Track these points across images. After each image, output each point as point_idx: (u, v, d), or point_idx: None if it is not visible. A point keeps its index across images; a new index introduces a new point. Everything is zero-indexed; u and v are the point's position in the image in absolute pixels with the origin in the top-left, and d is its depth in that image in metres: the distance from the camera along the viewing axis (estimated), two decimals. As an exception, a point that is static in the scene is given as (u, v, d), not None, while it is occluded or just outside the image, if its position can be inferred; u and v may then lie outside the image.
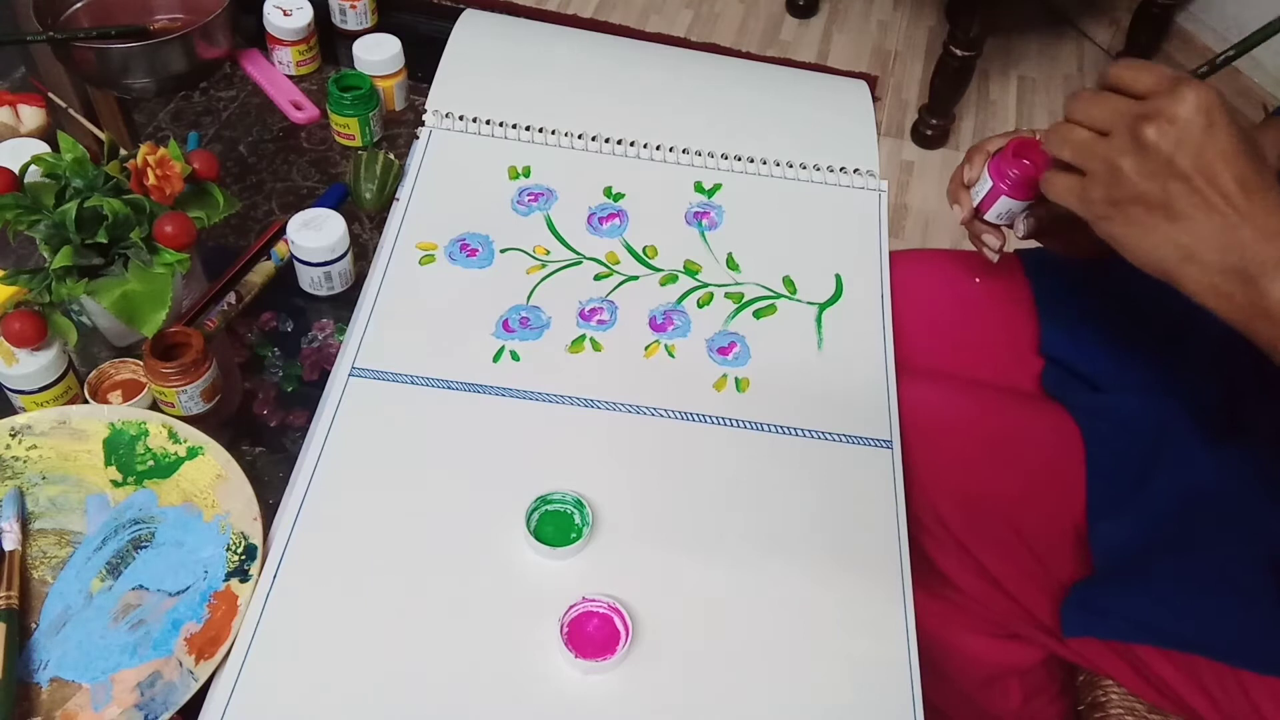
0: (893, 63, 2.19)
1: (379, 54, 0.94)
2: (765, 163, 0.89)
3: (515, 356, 0.74)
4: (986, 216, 0.73)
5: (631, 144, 0.88)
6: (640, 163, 0.88)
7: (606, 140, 0.89)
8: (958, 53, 1.86)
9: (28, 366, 0.67)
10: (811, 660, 0.61)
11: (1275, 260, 0.53)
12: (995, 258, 0.76)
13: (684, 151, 0.88)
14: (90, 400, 0.69)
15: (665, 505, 0.67)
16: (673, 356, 0.75)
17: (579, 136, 0.88)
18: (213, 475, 0.65)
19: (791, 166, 0.89)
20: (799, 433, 0.71)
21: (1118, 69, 0.57)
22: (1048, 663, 0.81)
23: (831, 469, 0.70)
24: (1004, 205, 0.71)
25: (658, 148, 0.88)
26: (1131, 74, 0.57)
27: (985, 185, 0.71)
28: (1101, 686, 0.76)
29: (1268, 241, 0.53)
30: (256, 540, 0.62)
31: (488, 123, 0.88)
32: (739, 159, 0.89)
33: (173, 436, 0.66)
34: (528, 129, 0.88)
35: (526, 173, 0.86)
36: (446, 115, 0.89)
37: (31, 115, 0.86)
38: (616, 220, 0.83)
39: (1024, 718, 0.85)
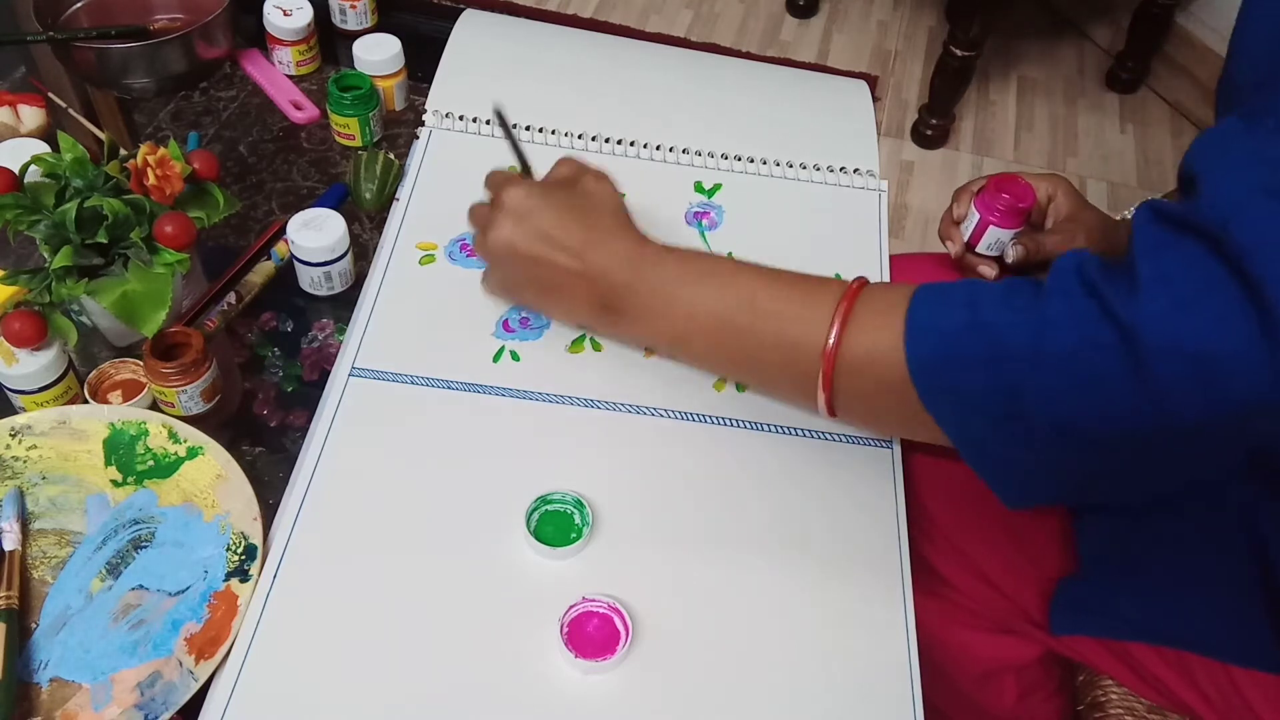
0: (893, 63, 2.19)
1: (379, 54, 0.94)
2: (765, 163, 0.89)
3: (515, 356, 0.74)
4: (978, 249, 0.78)
5: (631, 144, 0.88)
6: (640, 163, 0.88)
7: (606, 140, 0.89)
8: (958, 53, 1.86)
9: (28, 366, 0.67)
10: (811, 660, 0.61)
11: (618, 284, 0.65)
12: None
13: (684, 151, 0.88)
14: (90, 400, 0.69)
15: (665, 505, 0.67)
16: None
17: (579, 136, 0.88)
18: (213, 475, 0.65)
19: (791, 166, 0.89)
20: (799, 432, 0.71)
21: (488, 178, 0.72)
22: (1044, 659, 0.81)
23: (831, 469, 0.70)
24: (992, 235, 0.77)
25: (658, 148, 0.88)
26: (489, 183, 0.72)
27: (973, 219, 0.77)
28: (1101, 686, 0.76)
29: (607, 274, 0.66)
30: (256, 540, 0.62)
31: (488, 123, 0.88)
32: (739, 159, 0.89)
33: (173, 436, 0.66)
34: (528, 129, 0.88)
35: (527, 172, 0.86)
36: (446, 115, 0.89)
37: (31, 115, 0.87)
38: None
39: (1020, 714, 0.85)
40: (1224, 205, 0.47)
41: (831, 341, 0.58)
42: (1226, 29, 2.12)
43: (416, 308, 0.76)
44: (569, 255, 0.66)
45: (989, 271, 0.79)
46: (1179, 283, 0.48)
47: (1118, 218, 0.81)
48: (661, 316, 0.65)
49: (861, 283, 0.61)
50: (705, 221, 0.84)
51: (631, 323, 0.67)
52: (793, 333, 0.60)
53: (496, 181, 0.71)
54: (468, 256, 0.79)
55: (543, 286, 0.69)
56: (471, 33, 0.95)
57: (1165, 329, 0.47)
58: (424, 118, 0.89)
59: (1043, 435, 0.52)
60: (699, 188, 0.87)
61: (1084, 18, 2.30)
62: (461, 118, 0.88)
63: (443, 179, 0.85)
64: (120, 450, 0.66)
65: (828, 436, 0.71)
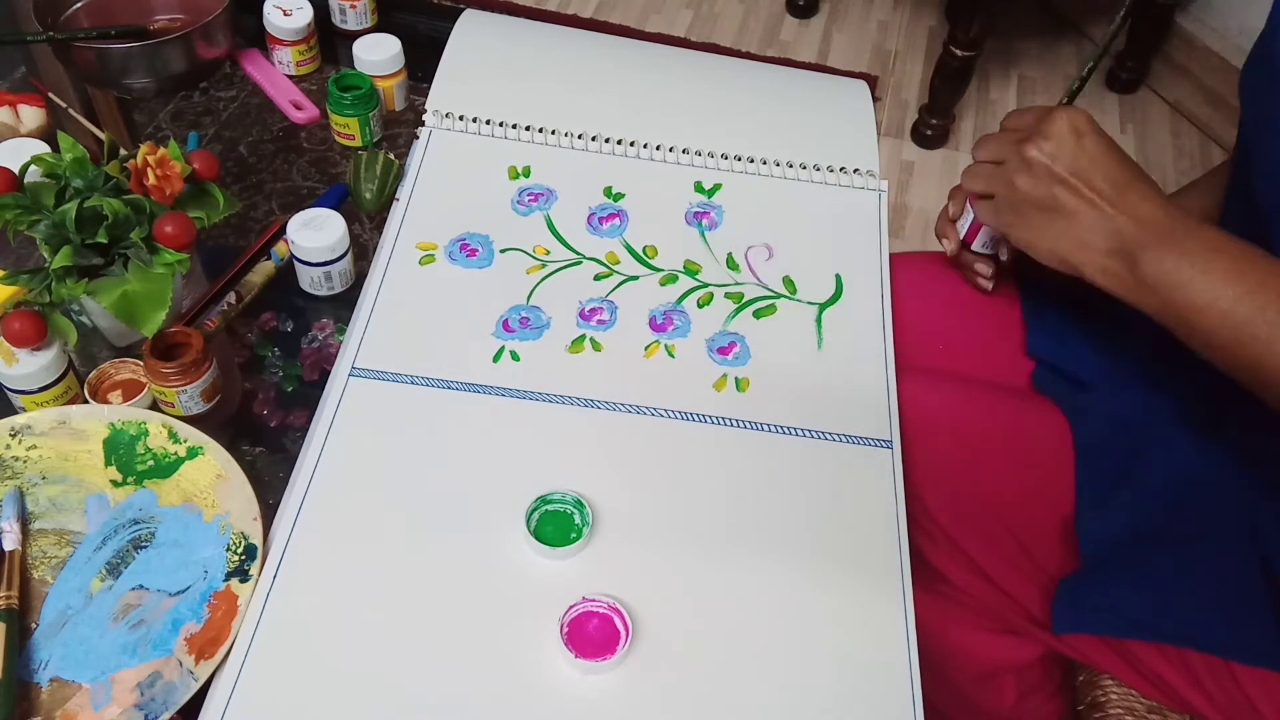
0: (893, 63, 2.19)
1: (379, 54, 0.94)
2: (765, 163, 0.89)
3: (515, 356, 0.74)
4: (974, 247, 0.79)
5: (631, 144, 0.88)
6: (640, 163, 0.88)
7: (606, 140, 0.89)
8: (958, 53, 1.86)
9: (28, 366, 0.67)
10: (811, 660, 0.61)
11: (1147, 241, 0.63)
12: (989, 285, 0.81)
13: (684, 151, 0.88)
14: (90, 400, 0.69)
15: (665, 505, 0.67)
16: (673, 356, 0.75)
17: (579, 136, 0.88)
18: (213, 475, 0.65)
19: (791, 166, 0.89)
20: (799, 432, 0.71)
21: (1006, 117, 0.71)
22: (1044, 660, 0.81)
23: (831, 469, 0.70)
24: (988, 233, 0.77)
25: (658, 148, 0.88)
26: (1015, 116, 0.70)
27: (968, 217, 0.77)
28: (1101, 686, 0.76)
29: (1140, 226, 0.63)
30: (256, 540, 0.62)
31: (488, 123, 0.88)
32: (739, 159, 0.89)
33: (173, 436, 0.66)
34: (528, 129, 0.88)
35: (526, 173, 0.86)
36: (446, 115, 0.89)
37: (31, 115, 0.87)
38: (616, 220, 0.83)
39: (1019, 715, 0.85)
40: None
41: None
42: (1226, 29, 2.11)
43: (416, 308, 0.76)
44: (1112, 190, 0.64)
45: (985, 269, 0.79)
46: None
47: None
48: (1176, 285, 0.62)
49: None
50: (705, 221, 0.84)
51: (1140, 280, 0.63)
52: None
53: (1041, 109, 0.68)
54: (468, 257, 0.79)
55: (1062, 210, 0.65)
56: (471, 33, 0.95)
57: None
58: (424, 118, 0.89)
59: None
60: (699, 188, 0.87)
61: (1084, 18, 2.30)
62: (461, 118, 0.88)
63: (443, 179, 0.85)
64: (120, 450, 0.66)
65: (828, 436, 0.71)
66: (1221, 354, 0.62)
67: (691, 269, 0.81)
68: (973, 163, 0.72)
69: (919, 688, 0.61)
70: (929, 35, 2.26)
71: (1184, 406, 0.73)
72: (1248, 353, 0.60)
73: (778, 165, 0.89)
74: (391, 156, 0.88)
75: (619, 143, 0.89)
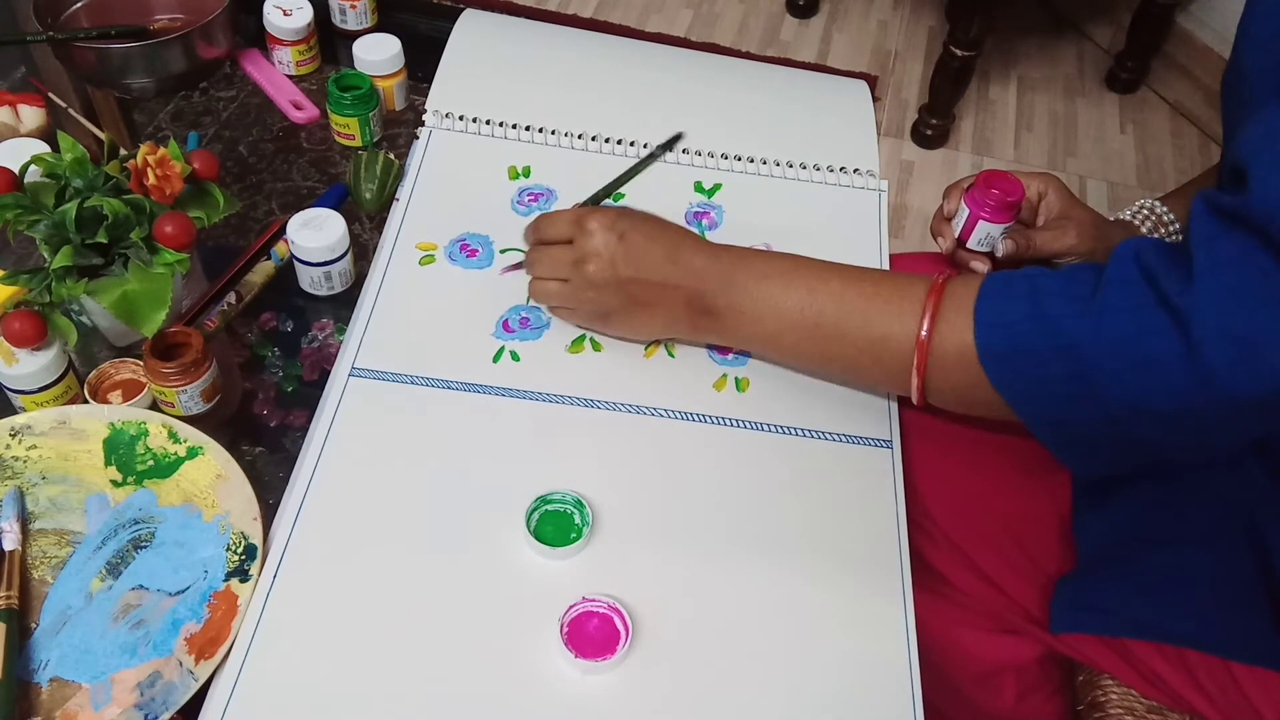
0: (893, 63, 2.19)
1: (379, 54, 0.94)
2: (765, 162, 0.89)
3: (515, 357, 0.74)
4: (969, 245, 0.79)
5: (631, 144, 0.88)
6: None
7: (606, 140, 0.89)
8: (958, 53, 1.86)
9: (28, 366, 0.67)
10: (811, 660, 0.61)
11: (709, 288, 0.69)
12: None
13: (684, 151, 0.88)
14: (90, 400, 0.69)
15: (666, 505, 0.67)
16: (673, 356, 0.75)
17: (579, 136, 0.88)
18: (213, 475, 0.65)
19: (791, 166, 0.89)
20: (799, 433, 0.71)
21: (538, 227, 0.74)
22: (1043, 660, 0.81)
23: (832, 469, 0.70)
24: (983, 230, 0.77)
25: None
26: (547, 225, 0.73)
27: (964, 215, 0.78)
28: (1100, 686, 0.76)
29: (699, 280, 0.69)
30: (256, 540, 0.62)
31: (488, 123, 0.88)
32: (739, 159, 0.89)
33: (173, 436, 0.66)
34: (528, 129, 0.88)
35: (526, 173, 0.86)
36: (446, 115, 0.89)
37: (31, 115, 0.87)
38: None
39: (1019, 714, 0.85)
40: (1271, 199, 0.51)
41: (924, 334, 0.62)
42: (1227, 29, 2.11)
43: (416, 308, 0.76)
44: (668, 267, 0.69)
45: (981, 267, 0.80)
46: (1229, 272, 0.52)
47: (1112, 218, 0.81)
48: (753, 317, 0.68)
49: (947, 276, 0.64)
50: (705, 221, 0.84)
51: (724, 325, 0.70)
52: (882, 327, 0.64)
53: (570, 218, 0.72)
54: (468, 257, 0.79)
55: (639, 303, 0.71)
56: (471, 33, 0.95)
57: (1216, 316, 0.52)
58: (424, 118, 0.89)
59: (1111, 412, 0.57)
60: (699, 188, 0.87)
61: (1084, 18, 2.30)
62: (461, 118, 0.88)
63: (443, 179, 0.85)
64: (120, 450, 0.66)
65: (828, 436, 0.71)
66: (818, 362, 0.69)
67: None
68: (534, 279, 0.74)
69: (919, 688, 0.61)
70: (929, 35, 2.26)
71: None
72: (834, 349, 0.67)
73: (778, 165, 0.89)
74: (392, 157, 0.88)
75: (619, 142, 0.89)
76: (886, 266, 0.83)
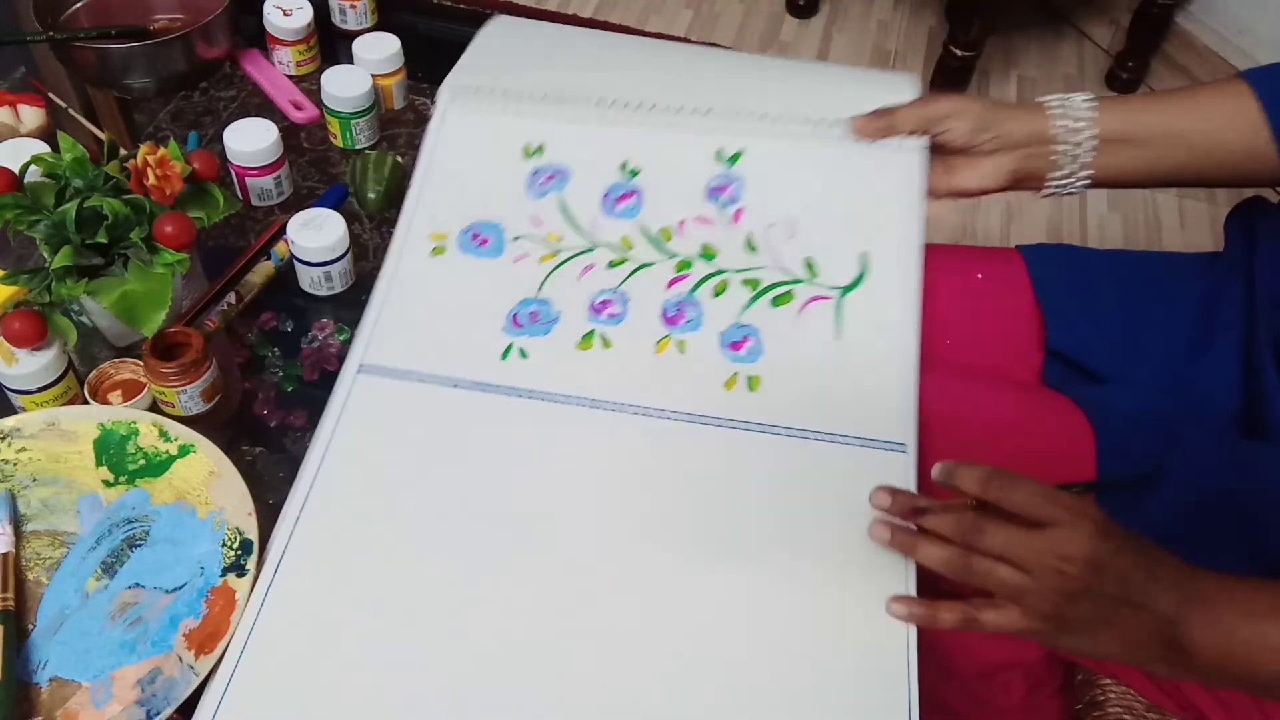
0: (893, 63, 2.19)
1: (379, 53, 0.94)
2: (791, 122, 0.82)
3: (524, 354, 0.73)
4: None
5: (652, 107, 0.82)
6: (658, 132, 0.82)
7: (624, 106, 0.83)
8: (958, 53, 1.86)
9: (28, 366, 0.67)
10: (813, 660, 0.61)
11: (1188, 621, 0.58)
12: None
13: (706, 113, 0.82)
14: (90, 400, 0.69)
15: (672, 505, 0.67)
16: (683, 353, 0.74)
17: (595, 103, 0.82)
18: (205, 472, 0.65)
19: (821, 124, 0.82)
20: (810, 436, 0.70)
21: (1009, 492, 0.59)
22: (1049, 655, 0.81)
23: (841, 470, 0.68)
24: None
25: (678, 111, 0.82)
26: (1018, 496, 0.59)
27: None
28: (1099, 685, 0.76)
29: (1176, 610, 0.58)
30: (252, 535, 0.62)
31: (504, 94, 0.83)
32: (764, 118, 0.82)
33: (163, 435, 0.66)
34: (544, 97, 0.83)
35: (540, 151, 0.82)
36: (460, 93, 0.83)
37: (31, 115, 0.87)
38: (632, 200, 0.80)
39: (1027, 711, 0.85)
40: None
41: None
42: (1227, 29, 2.11)
43: (426, 302, 0.75)
44: (1149, 587, 0.59)
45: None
46: None
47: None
48: (1242, 659, 0.59)
49: None
50: (724, 195, 0.80)
51: (1197, 663, 0.60)
52: None
53: (1048, 496, 0.59)
54: (479, 246, 0.78)
55: (1105, 622, 0.60)
56: (498, 35, 0.90)
57: None
58: (437, 96, 0.83)
59: None
60: (720, 156, 0.81)
61: (1084, 18, 2.30)
62: (477, 89, 0.83)
63: (455, 163, 0.81)
64: (111, 450, 0.66)
65: (840, 439, 0.70)
66: None
67: (708, 253, 0.78)
68: (972, 553, 0.60)
69: (915, 692, 0.60)
70: (929, 35, 2.26)
71: (1212, 410, 0.71)
72: None
73: (804, 124, 0.82)
74: (398, 159, 0.87)
75: (637, 107, 0.83)
76: (921, 237, 0.79)
